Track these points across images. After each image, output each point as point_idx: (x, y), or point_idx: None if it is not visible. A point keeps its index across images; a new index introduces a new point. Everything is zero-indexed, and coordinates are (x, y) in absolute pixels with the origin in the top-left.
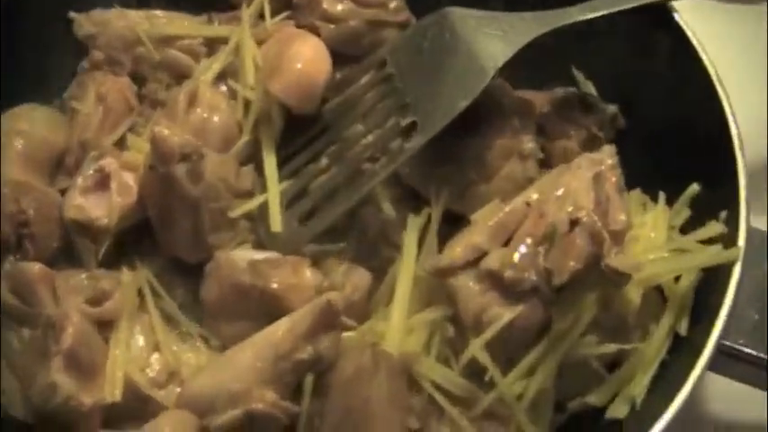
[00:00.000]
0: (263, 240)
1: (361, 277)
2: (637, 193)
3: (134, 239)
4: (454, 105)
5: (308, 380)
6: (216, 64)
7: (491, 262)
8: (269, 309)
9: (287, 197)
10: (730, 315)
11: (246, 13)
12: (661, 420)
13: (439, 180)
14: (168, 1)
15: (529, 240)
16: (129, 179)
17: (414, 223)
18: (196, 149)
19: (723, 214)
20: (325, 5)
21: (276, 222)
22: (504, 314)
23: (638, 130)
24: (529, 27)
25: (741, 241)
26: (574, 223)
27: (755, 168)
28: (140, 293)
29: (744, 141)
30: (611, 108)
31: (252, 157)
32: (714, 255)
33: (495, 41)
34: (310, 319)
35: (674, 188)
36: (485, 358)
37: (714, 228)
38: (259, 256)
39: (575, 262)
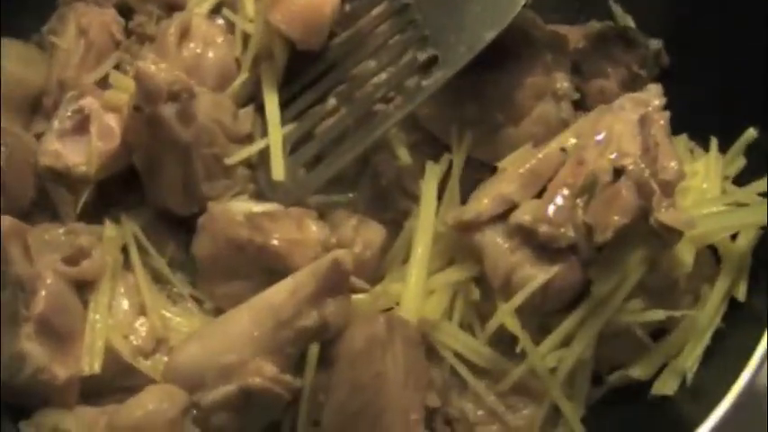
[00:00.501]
0: (263, 190)
1: (374, 232)
2: (683, 139)
3: (119, 190)
4: (480, 37)
5: (313, 350)
6: None
7: (522, 215)
8: (269, 267)
9: (290, 142)
10: None
11: None
12: (723, 403)
13: (461, 123)
14: None
15: (566, 191)
16: (112, 121)
17: (433, 171)
18: (186, 87)
19: None
20: None
21: (278, 170)
22: (537, 275)
23: (684, 68)
24: None
25: None
26: (618, 172)
27: None
28: (125, 250)
29: None
30: (655, 43)
31: (252, 98)
32: None
33: None
34: (315, 280)
35: (727, 134)
36: (515, 326)
37: None
38: (258, 207)
39: (619, 216)
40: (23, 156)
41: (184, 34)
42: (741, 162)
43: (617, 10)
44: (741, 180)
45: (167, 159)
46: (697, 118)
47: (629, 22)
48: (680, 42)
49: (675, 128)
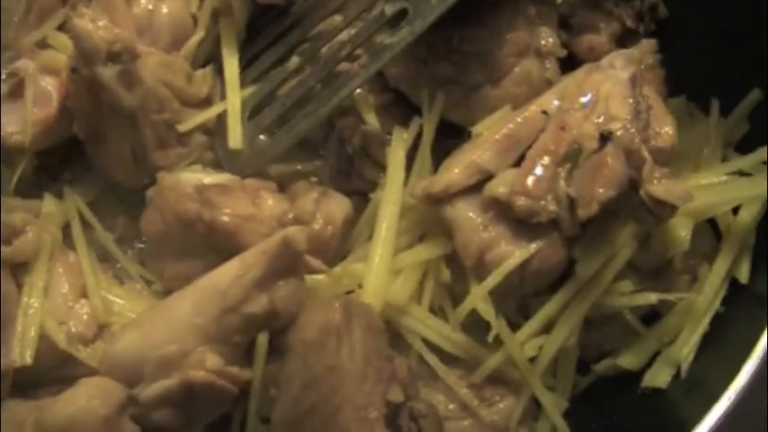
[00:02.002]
0: (221, 159)
1: (337, 206)
2: (682, 101)
3: (63, 161)
4: None
5: (262, 339)
6: None
7: (498, 186)
8: (220, 245)
9: (250, 105)
10: None
11: None
12: (722, 399)
13: (434, 82)
14: None
15: (546, 159)
16: (49, 85)
17: (400, 137)
18: (128, 47)
19: None
20: None
21: (236, 136)
22: (513, 253)
23: (683, 23)
24: None
25: None
26: (605, 138)
27: None
28: (69, 227)
29: None
30: None
31: (211, 58)
32: None
33: None
34: (264, 261)
35: (730, 96)
36: (488, 310)
37: None
38: (210, 179)
39: (605, 188)
40: None
41: None
42: (745, 127)
43: None
44: (745, 147)
45: (112, 127)
46: (697, 78)
47: None
48: None
49: (673, 89)
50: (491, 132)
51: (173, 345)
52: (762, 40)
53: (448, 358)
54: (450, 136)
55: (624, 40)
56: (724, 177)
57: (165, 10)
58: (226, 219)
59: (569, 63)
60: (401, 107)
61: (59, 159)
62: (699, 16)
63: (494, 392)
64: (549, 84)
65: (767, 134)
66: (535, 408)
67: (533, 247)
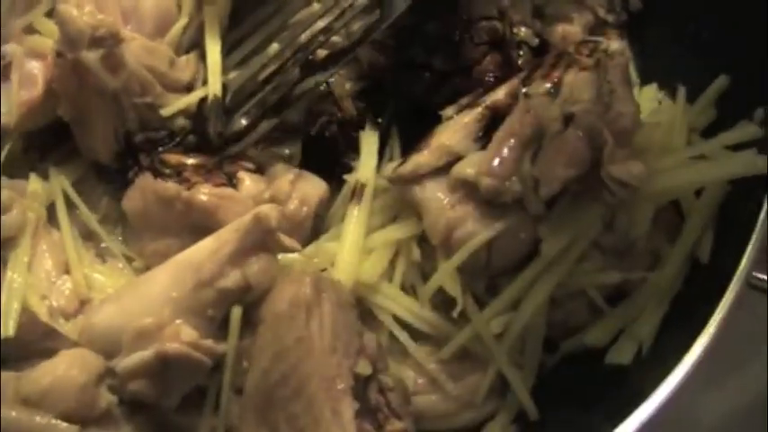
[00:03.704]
0: (202, 141)
1: (313, 187)
2: (652, 89)
3: (49, 141)
4: None
5: (236, 313)
6: None
7: (465, 168)
8: (198, 223)
9: (232, 90)
10: (764, 239)
11: None
12: (675, 373)
13: (407, 68)
14: None
15: (512, 141)
16: (35, 68)
17: (373, 122)
18: (112, 32)
19: (759, 112)
20: None
21: (217, 121)
22: (480, 232)
23: (656, 14)
24: None
25: None
26: (567, 120)
27: None
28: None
29: None
30: None
31: (195, 44)
32: (745, 162)
33: None
34: (237, 237)
35: (698, 83)
36: (454, 287)
37: (746, 130)
38: (191, 160)
39: (567, 168)
40: None
41: None
42: (711, 113)
43: None
44: (712, 133)
45: (96, 109)
46: (668, 67)
47: None
48: None
49: (645, 77)
50: (460, 116)
51: (149, 317)
52: (731, 32)
53: (418, 335)
54: (422, 120)
55: (598, 29)
56: (687, 161)
57: None
58: (203, 198)
59: (543, 52)
60: (376, 93)
61: (46, 140)
62: (669, 6)
63: (461, 368)
64: (518, 69)
65: (732, 122)
66: (503, 384)
67: (499, 225)
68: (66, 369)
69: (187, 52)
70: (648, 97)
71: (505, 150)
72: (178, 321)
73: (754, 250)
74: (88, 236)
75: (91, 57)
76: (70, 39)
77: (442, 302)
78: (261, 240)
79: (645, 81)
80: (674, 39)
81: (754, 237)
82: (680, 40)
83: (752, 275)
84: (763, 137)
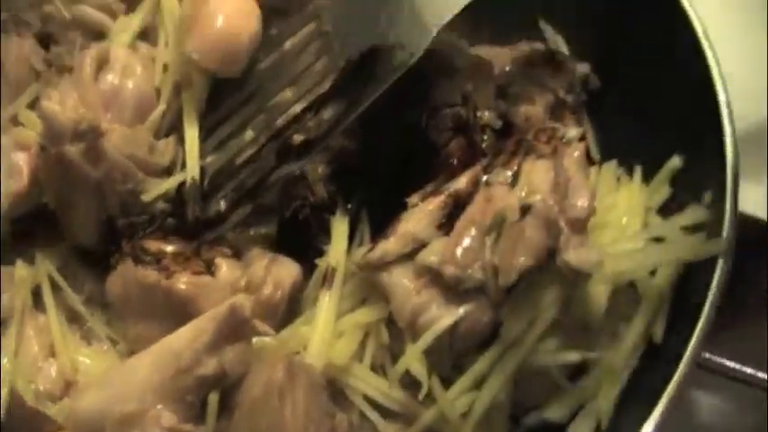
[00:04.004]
0: (181, 224)
1: (287, 271)
2: (612, 166)
3: (34, 226)
4: (394, 68)
5: (213, 398)
6: (134, 21)
7: (429, 256)
8: (177, 310)
9: (209, 174)
10: (711, 322)
11: None
12: None
13: (376, 155)
14: None
15: (473, 230)
16: (20, 160)
17: (344, 208)
18: (93, 126)
19: (707, 195)
20: None
21: (194, 205)
22: (443, 317)
23: (614, 93)
24: None
25: (726, 231)
26: (525, 210)
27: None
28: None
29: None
30: (583, 67)
31: (173, 128)
32: (693, 247)
33: None
34: (214, 326)
35: (654, 161)
36: (419, 370)
37: (696, 213)
38: (170, 247)
39: (524, 257)
40: None
41: (103, 65)
42: (666, 191)
43: (548, 30)
44: (670, 209)
45: (79, 197)
46: (626, 144)
47: (561, 43)
48: (611, 65)
49: (605, 154)
50: (425, 203)
51: (132, 403)
52: (681, 111)
53: (388, 413)
54: (391, 203)
55: (558, 109)
56: (641, 243)
57: (130, 85)
58: (182, 286)
59: (507, 131)
60: (348, 177)
61: (31, 225)
62: (629, 88)
63: None
64: (483, 154)
65: (691, 197)
66: None
67: (461, 311)
68: None
69: (166, 135)
70: (608, 175)
71: (467, 239)
72: (159, 407)
73: (702, 331)
74: (73, 318)
75: (73, 150)
76: (53, 134)
77: (411, 382)
78: (236, 329)
79: (606, 157)
80: (631, 117)
81: (702, 318)
82: (637, 118)
83: (700, 356)
84: (712, 220)
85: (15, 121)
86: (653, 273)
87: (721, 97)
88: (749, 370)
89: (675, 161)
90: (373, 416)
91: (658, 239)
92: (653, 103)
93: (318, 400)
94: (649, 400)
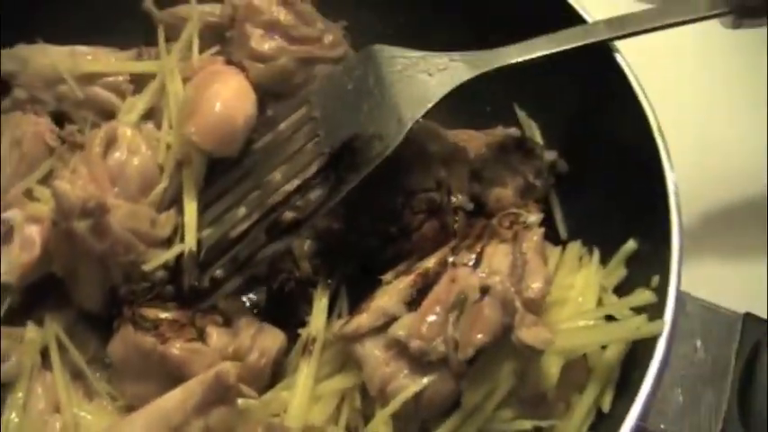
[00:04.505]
0: (180, 292)
1: (272, 339)
2: (576, 246)
3: (43, 289)
4: (372, 157)
5: None
6: (140, 103)
7: (398, 330)
8: (171, 373)
9: (206, 246)
10: (651, 395)
11: (168, 47)
12: None
13: (355, 234)
14: (100, 32)
15: (438, 308)
16: (34, 232)
17: (325, 284)
18: (99, 204)
19: (656, 279)
20: (252, 44)
21: (191, 275)
22: (409, 386)
23: (582, 176)
24: (459, 71)
25: (667, 314)
26: (484, 291)
27: (699, 228)
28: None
29: (685, 199)
30: (550, 154)
31: (175, 200)
32: (637, 328)
33: (420, 86)
34: (201, 390)
35: (614, 243)
36: None
37: (643, 296)
38: (166, 314)
39: (482, 334)
40: None
41: (111, 142)
42: (621, 273)
43: (522, 116)
44: (626, 288)
45: (85, 268)
46: (591, 224)
47: (533, 127)
48: (580, 150)
49: (573, 232)
50: (397, 281)
51: None
52: (637, 197)
53: None
54: (368, 279)
55: (527, 192)
56: (594, 321)
57: (135, 162)
58: (176, 352)
59: (481, 212)
60: (330, 255)
61: (41, 291)
62: (594, 173)
63: None
64: (454, 235)
65: (640, 280)
66: None
67: (425, 380)
68: None
69: (167, 208)
70: (572, 255)
71: (432, 316)
72: None
73: (640, 405)
74: (77, 375)
75: (81, 226)
76: (63, 211)
77: None
78: (222, 393)
79: (572, 236)
80: (598, 199)
81: (641, 393)
82: (603, 200)
83: (640, 425)
84: (657, 302)
85: (29, 195)
86: (604, 347)
87: (670, 187)
88: None
89: (631, 244)
90: None
91: (610, 318)
92: (614, 186)
93: None
94: None
